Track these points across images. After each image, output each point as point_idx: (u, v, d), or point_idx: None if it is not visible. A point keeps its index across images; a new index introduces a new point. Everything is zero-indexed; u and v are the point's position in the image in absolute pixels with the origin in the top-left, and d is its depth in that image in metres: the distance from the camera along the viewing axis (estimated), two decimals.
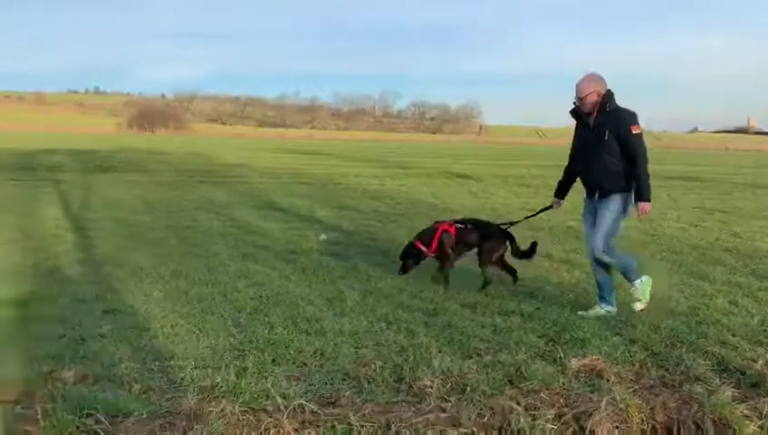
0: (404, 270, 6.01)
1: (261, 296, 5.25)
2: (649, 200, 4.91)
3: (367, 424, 2.89)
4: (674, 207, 13.13)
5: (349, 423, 2.91)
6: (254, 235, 8.69)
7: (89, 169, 19.93)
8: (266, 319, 4.53)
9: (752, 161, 42.57)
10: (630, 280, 5.10)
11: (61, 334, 4.09)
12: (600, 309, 5.02)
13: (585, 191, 5.22)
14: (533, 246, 6.00)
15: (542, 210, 5.95)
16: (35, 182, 16.00)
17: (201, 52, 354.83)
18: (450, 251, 5.92)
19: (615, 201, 4.94)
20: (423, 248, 5.94)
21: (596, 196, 5.04)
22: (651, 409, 3.15)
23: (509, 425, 2.93)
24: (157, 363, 3.64)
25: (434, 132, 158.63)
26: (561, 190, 5.54)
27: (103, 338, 4.03)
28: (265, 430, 2.87)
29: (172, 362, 3.65)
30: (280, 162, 27.31)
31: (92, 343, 3.94)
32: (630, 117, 4.90)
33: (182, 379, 3.40)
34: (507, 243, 5.95)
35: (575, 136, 5.27)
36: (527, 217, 6.21)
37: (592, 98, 4.93)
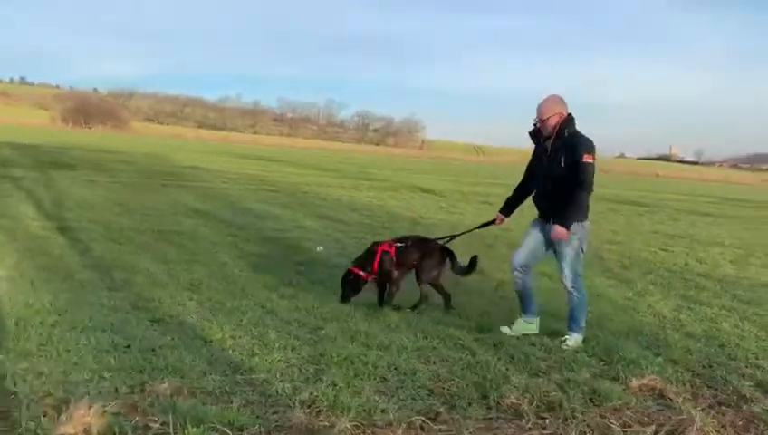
0: (343, 299, 5.56)
1: (299, 308, 5.28)
2: (569, 229, 4.68)
3: None
4: (636, 232, 13.84)
5: None
6: (249, 243, 8.63)
7: (42, 166, 19.05)
8: (323, 332, 4.58)
9: (686, 189, 44.88)
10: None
11: (125, 345, 4.01)
12: (577, 336, 4.83)
13: (538, 215, 5.08)
14: (473, 261, 5.82)
15: (483, 225, 5.70)
16: (10, 179, 15.20)
17: (137, 48, 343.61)
18: (394, 272, 5.59)
19: (574, 233, 4.74)
20: (361, 274, 5.55)
21: (551, 221, 4.83)
22: (722, 427, 3.40)
23: None
24: (239, 376, 3.64)
25: (377, 144, 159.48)
26: (509, 208, 5.36)
27: (172, 349, 3.97)
28: None
29: (254, 375, 3.65)
30: (236, 167, 26.89)
31: (164, 354, 3.88)
32: (587, 144, 4.71)
33: (276, 392, 3.42)
34: (448, 260, 5.73)
35: (532, 157, 5.12)
36: (466, 232, 6.06)
37: (553, 121, 4.76)
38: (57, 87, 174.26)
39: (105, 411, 2.84)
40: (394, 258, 5.58)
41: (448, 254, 5.77)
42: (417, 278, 5.64)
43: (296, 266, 7.23)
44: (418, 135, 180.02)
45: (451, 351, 4.41)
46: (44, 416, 2.84)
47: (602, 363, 4.39)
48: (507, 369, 4.07)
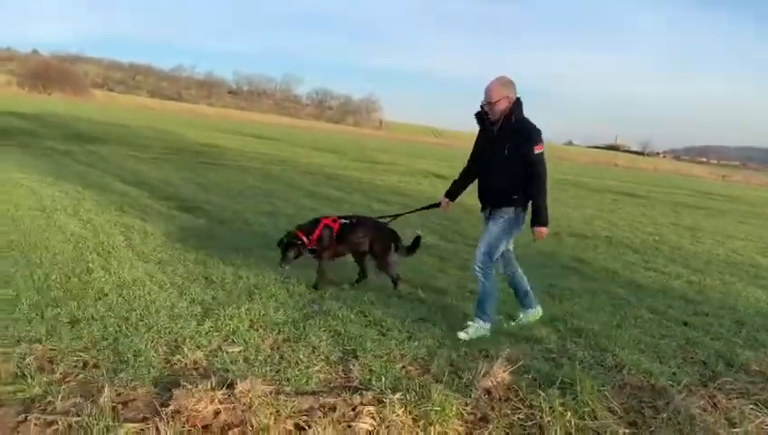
0: (285, 261, 5.41)
1: None
2: (546, 224, 4.57)
3: None
4: (658, 223, 15.07)
5: None
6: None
7: (74, 139, 19.02)
8: None
9: (659, 181, 46.44)
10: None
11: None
12: (480, 323, 4.71)
13: (480, 204, 4.89)
14: (417, 240, 5.82)
15: (428, 206, 5.57)
16: (36, 151, 15.28)
17: (79, 12, 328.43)
18: (327, 248, 5.51)
19: (505, 213, 4.63)
20: (304, 238, 5.42)
21: (488, 211, 4.75)
22: None
23: None
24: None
25: (336, 122, 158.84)
26: (454, 192, 5.18)
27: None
28: None
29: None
30: (245, 145, 27.10)
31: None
32: (535, 134, 4.51)
33: None
34: (393, 243, 5.68)
35: (476, 142, 4.90)
36: (410, 212, 5.99)
37: (502, 105, 4.50)
38: None
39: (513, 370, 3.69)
40: (334, 235, 5.50)
41: (395, 236, 5.72)
42: (377, 264, 5.65)
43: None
44: (376, 115, 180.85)
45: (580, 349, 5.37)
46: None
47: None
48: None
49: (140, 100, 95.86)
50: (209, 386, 3.10)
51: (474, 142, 4.93)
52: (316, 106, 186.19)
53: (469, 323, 4.66)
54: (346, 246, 5.60)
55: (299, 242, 5.40)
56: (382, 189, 15.47)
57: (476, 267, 4.69)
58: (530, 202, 4.65)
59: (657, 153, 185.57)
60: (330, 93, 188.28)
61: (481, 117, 4.70)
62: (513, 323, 4.95)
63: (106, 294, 4.62)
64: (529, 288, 5.08)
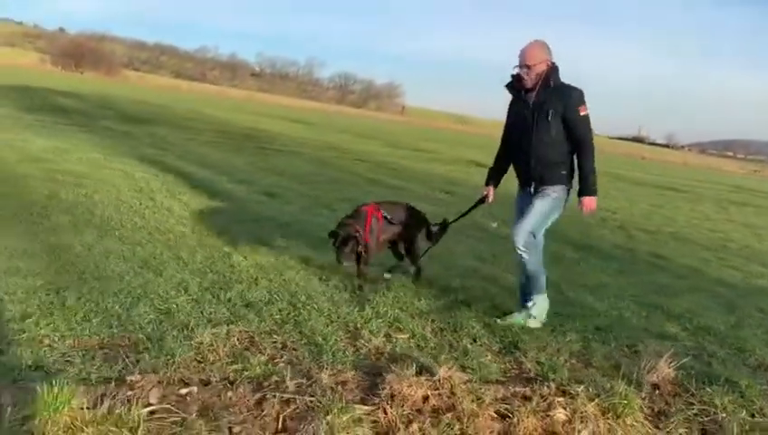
0: (344, 257, 4.73)
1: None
2: (596, 194, 4.27)
3: None
4: (725, 221, 14.93)
5: None
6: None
7: (122, 118, 19.34)
8: None
9: (697, 175, 45.79)
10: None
11: None
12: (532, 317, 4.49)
13: (518, 181, 4.52)
14: (444, 226, 5.49)
15: (476, 205, 5.02)
16: (98, 131, 15.57)
17: None
18: (376, 239, 5.02)
19: (553, 191, 4.29)
20: (360, 231, 4.82)
21: (531, 188, 4.36)
22: None
23: None
24: None
25: (359, 107, 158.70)
26: (494, 177, 4.75)
27: None
28: None
29: None
30: (289, 130, 27.28)
31: None
32: (579, 96, 4.16)
33: None
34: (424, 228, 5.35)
35: (509, 115, 4.50)
36: (460, 217, 5.38)
37: (540, 68, 4.16)
38: (21, 24, 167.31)
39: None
40: (381, 224, 5.02)
41: (426, 222, 5.41)
42: (411, 255, 5.30)
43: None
44: (399, 100, 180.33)
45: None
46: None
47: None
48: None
49: (170, 81, 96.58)
50: (413, 372, 3.27)
51: (505, 121, 4.54)
52: (338, 90, 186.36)
53: (528, 305, 4.44)
54: (389, 235, 5.16)
55: (356, 235, 4.77)
56: (437, 179, 15.55)
57: (521, 248, 4.28)
58: (573, 177, 4.32)
59: (682, 146, 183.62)
60: (352, 77, 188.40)
61: (513, 86, 4.33)
62: (498, 321, 4.46)
63: (256, 278, 4.81)
64: (544, 282, 4.61)
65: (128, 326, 3.56)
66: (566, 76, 4.31)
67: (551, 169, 4.25)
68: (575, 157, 4.31)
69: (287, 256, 5.66)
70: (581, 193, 4.28)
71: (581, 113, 4.15)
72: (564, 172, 4.28)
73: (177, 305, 3.98)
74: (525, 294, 4.57)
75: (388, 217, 5.05)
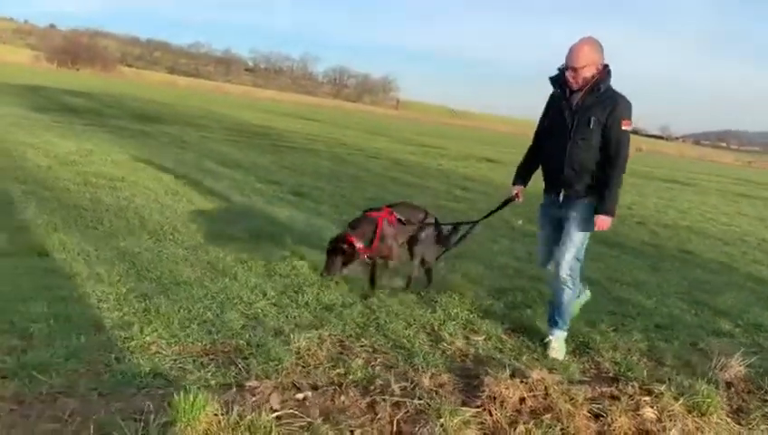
0: (329, 270, 4.51)
1: None
2: (613, 215, 3.96)
3: None
4: (720, 212, 15.14)
5: None
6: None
7: (134, 117, 19.35)
8: None
9: (696, 168, 46.01)
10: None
11: None
12: (561, 334, 4.19)
13: (545, 185, 4.21)
14: (456, 227, 5.18)
15: (504, 204, 4.60)
16: (113, 130, 15.60)
17: None
18: (394, 245, 4.72)
19: (585, 210, 3.99)
20: (359, 245, 4.52)
21: (560, 196, 4.05)
22: None
23: None
24: None
25: (354, 101, 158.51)
26: (523, 176, 4.39)
27: None
28: None
29: None
30: (290, 125, 27.34)
31: None
32: (626, 107, 3.89)
33: None
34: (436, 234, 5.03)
35: (547, 113, 4.17)
36: (487, 216, 4.97)
37: (590, 71, 3.86)
38: (11, 20, 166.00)
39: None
40: (395, 228, 4.71)
41: (438, 225, 5.09)
42: (421, 261, 4.98)
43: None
44: (393, 94, 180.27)
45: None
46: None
47: None
48: None
49: (166, 77, 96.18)
50: (508, 374, 3.39)
51: (541, 117, 4.24)
52: (333, 85, 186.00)
53: (550, 338, 4.13)
54: (406, 238, 4.84)
55: (346, 247, 4.49)
56: (453, 175, 15.67)
57: (564, 276, 4.04)
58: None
59: (677, 138, 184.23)
60: (347, 72, 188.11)
61: (558, 81, 4.02)
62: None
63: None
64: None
65: (225, 332, 3.66)
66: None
67: (582, 178, 3.98)
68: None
69: None
70: (598, 210, 3.94)
71: (623, 127, 3.87)
72: (594, 184, 3.98)
73: (261, 310, 4.08)
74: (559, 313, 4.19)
75: (403, 219, 4.75)
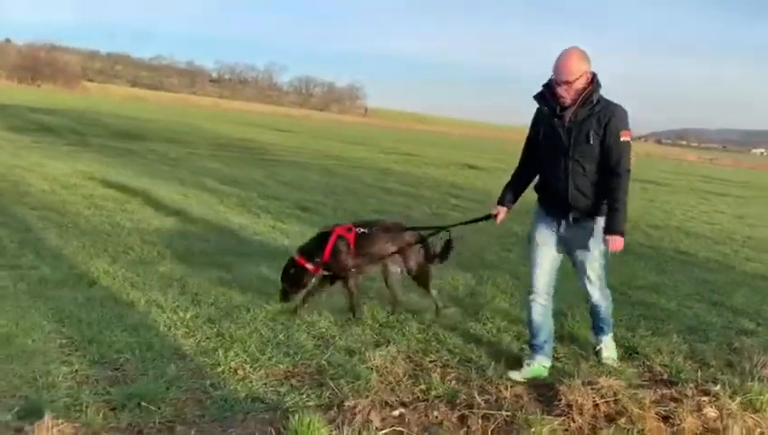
0: (285, 297, 4.53)
1: None
2: (624, 233, 3.72)
3: None
4: (700, 211, 15.68)
5: None
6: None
7: (115, 135, 19.14)
8: None
9: (657, 165, 47.57)
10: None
11: None
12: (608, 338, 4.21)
13: (546, 208, 3.95)
14: (448, 244, 4.82)
15: (480, 219, 4.42)
16: (98, 150, 15.43)
17: None
18: (349, 263, 4.53)
19: (596, 225, 3.80)
20: (307, 265, 4.50)
21: (569, 218, 3.82)
22: None
23: None
24: None
25: (321, 109, 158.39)
26: (511, 197, 4.12)
27: None
28: None
29: None
30: (270, 138, 27.31)
31: None
32: (623, 117, 3.68)
33: None
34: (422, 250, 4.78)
35: (537, 131, 3.87)
36: (455, 225, 4.79)
37: (581, 83, 3.63)
38: None
39: None
40: (352, 245, 4.53)
41: (423, 241, 4.81)
42: (418, 282, 4.80)
43: None
44: (360, 102, 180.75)
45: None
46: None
47: None
48: None
49: (133, 91, 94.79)
50: (579, 382, 3.56)
51: (529, 134, 3.98)
52: (299, 94, 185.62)
53: (601, 347, 4.17)
54: (367, 258, 4.62)
55: (298, 270, 4.51)
56: (443, 184, 15.93)
57: (600, 302, 4.03)
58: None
59: (640, 137, 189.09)
60: (312, 81, 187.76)
61: (544, 97, 3.77)
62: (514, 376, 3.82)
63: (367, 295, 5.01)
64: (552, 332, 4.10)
65: (302, 354, 3.76)
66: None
67: (589, 197, 3.74)
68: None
69: None
70: (608, 230, 3.71)
71: (623, 138, 3.64)
72: (602, 199, 3.75)
73: (325, 330, 4.19)
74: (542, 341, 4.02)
75: (365, 231, 4.57)
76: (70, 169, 11.18)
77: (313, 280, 4.56)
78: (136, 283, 4.88)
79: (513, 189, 4.12)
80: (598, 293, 4.00)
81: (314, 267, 4.51)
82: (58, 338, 3.64)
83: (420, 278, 4.75)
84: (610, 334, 4.28)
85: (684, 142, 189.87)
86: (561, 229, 3.88)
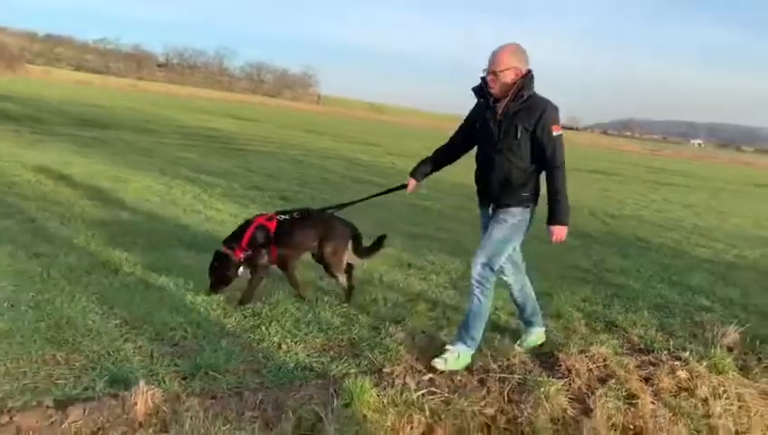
0: (213, 288, 4.61)
1: None
2: (567, 223, 3.87)
3: None
4: (650, 201, 16.69)
5: None
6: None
7: (76, 123, 18.87)
8: None
9: (603, 156, 49.69)
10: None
11: None
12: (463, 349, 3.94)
13: (478, 196, 4.15)
14: (380, 239, 4.96)
15: (394, 189, 4.63)
16: (66, 138, 15.29)
17: None
18: (264, 253, 4.60)
19: (511, 215, 3.90)
20: (229, 252, 4.58)
21: (490, 208, 4.01)
22: None
23: None
24: None
25: (273, 96, 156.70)
26: (423, 171, 4.30)
27: None
28: None
29: None
30: (231, 126, 27.25)
31: None
32: (553, 113, 3.78)
33: None
34: (350, 241, 4.84)
35: (473, 119, 4.04)
36: (369, 197, 4.94)
37: (508, 76, 3.76)
38: None
39: None
40: (271, 234, 4.60)
41: (353, 231, 4.90)
42: (326, 269, 4.84)
43: None
44: (313, 90, 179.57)
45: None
46: None
47: None
48: None
49: (80, 75, 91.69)
50: (576, 350, 4.15)
51: (465, 120, 4.13)
52: (250, 80, 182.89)
53: (448, 347, 3.93)
54: (289, 247, 4.68)
55: (224, 259, 4.60)
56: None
57: (474, 282, 3.92)
58: (538, 196, 4.00)
59: (585, 128, 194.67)
60: (264, 67, 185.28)
61: (482, 91, 3.93)
62: (518, 347, 4.25)
63: (370, 280, 5.49)
64: (537, 303, 4.43)
65: (333, 329, 4.23)
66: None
67: (512, 190, 3.87)
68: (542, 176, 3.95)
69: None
70: (551, 221, 3.87)
71: (554, 133, 3.77)
72: (527, 194, 3.90)
73: (346, 309, 4.66)
74: (529, 317, 4.38)
75: (285, 225, 4.64)
76: (47, 160, 11.14)
77: (240, 269, 4.64)
78: (157, 269, 5.18)
79: (428, 165, 4.28)
80: (477, 272, 3.92)
81: (238, 257, 4.56)
82: (113, 319, 3.97)
83: (329, 266, 4.75)
84: (467, 348, 3.97)
85: (628, 133, 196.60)
86: (491, 215, 4.03)
